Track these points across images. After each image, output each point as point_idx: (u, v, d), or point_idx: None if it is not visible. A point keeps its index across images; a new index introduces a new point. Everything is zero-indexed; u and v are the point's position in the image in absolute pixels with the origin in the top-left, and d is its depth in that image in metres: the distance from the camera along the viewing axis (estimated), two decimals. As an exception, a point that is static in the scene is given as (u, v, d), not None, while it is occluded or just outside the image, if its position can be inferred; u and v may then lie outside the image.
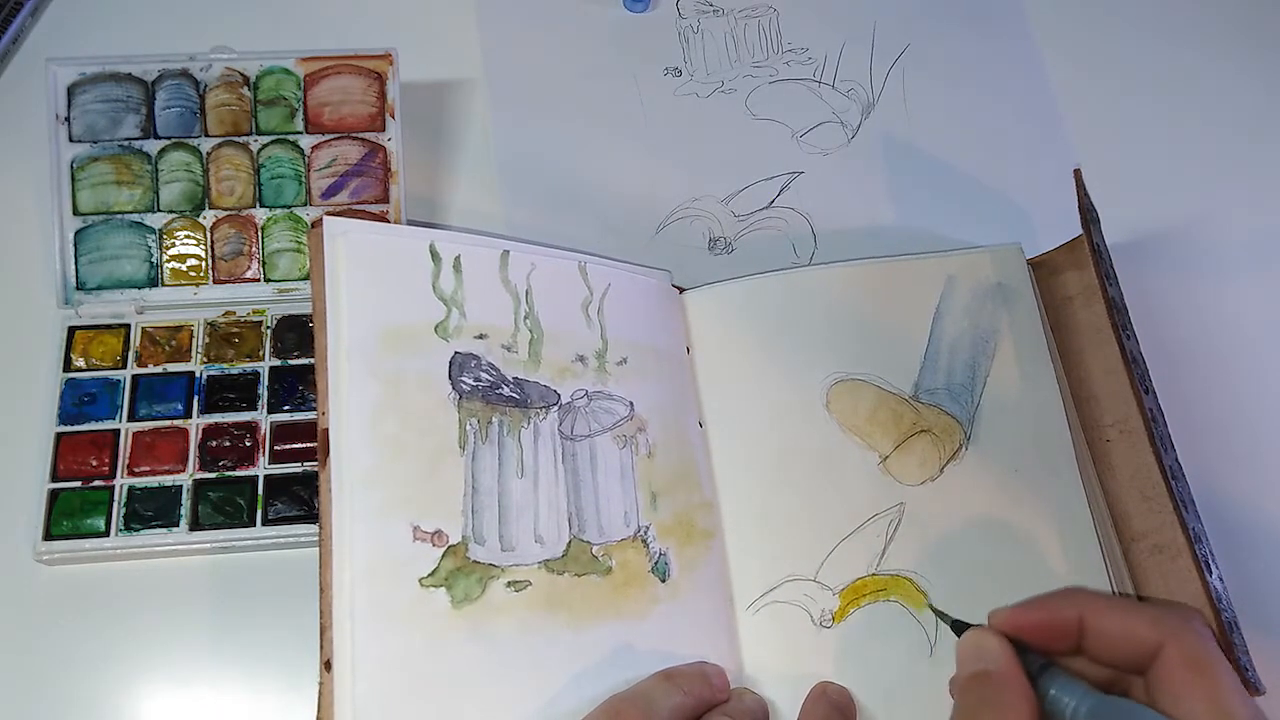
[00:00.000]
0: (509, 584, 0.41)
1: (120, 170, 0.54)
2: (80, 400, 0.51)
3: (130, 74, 0.55)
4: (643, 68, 0.63)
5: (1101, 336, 0.49)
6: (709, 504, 0.48)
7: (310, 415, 0.52)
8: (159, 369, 0.52)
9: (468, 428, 0.43)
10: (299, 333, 0.54)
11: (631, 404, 0.47)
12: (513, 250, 0.47)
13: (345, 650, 0.38)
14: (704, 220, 0.59)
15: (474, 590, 0.41)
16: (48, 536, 0.48)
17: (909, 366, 0.50)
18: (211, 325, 0.54)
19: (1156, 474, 0.43)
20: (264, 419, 0.52)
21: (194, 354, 0.53)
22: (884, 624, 0.45)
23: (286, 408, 0.52)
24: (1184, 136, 0.63)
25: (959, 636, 0.39)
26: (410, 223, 0.56)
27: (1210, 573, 0.41)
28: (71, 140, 0.54)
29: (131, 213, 0.54)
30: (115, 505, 0.49)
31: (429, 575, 0.40)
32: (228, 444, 0.51)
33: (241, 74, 0.56)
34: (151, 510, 0.49)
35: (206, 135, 0.55)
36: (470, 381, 0.44)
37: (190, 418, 0.51)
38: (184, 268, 0.54)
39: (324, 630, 0.38)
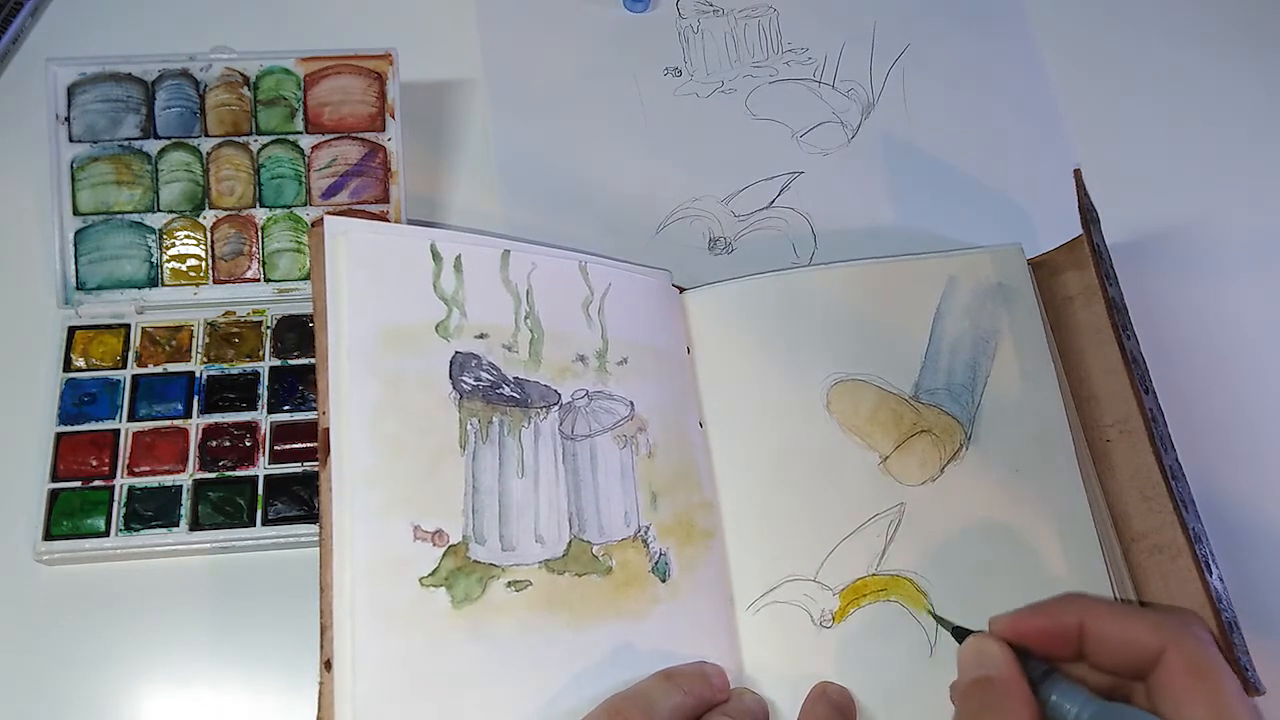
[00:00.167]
0: (509, 584, 0.41)
1: (120, 170, 0.54)
2: (80, 400, 0.51)
3: (130, 74, 0.55)
4: (643, 68, 0.63)
5: (1101, 336, 0.49)
6: (709, 504, 0.47)
7: (310, 415, 0.52)
8: (159, 369, 0.52)
9: (468, 427, 0.43)
10: (299, 333, 0.54)
11: (632, 404, 0.47)
12: (513, 250, 0.47)
13: (345, 650, 0.38)
14: (704, 220, 0.59)
15: (474, 590, 0.41)
16: (48, 536, 0.48)
17: (909, 367, 0.50)
18: (211, 325, 0.54)
19: (1156, 474, 0.43)
20: (264, 419, 0.52)
21: (194, 354, 0.53)
22: (884, 624, 0.45)
23: (286, 408, 0.52)
24: (1184, 136, 0.63)
25: (960, 643, 0.39)
26: (410, 222, 0.56)
27: (1210, 573, 0.41)
28: (71, 140, 0.54)
29: (131, 213, 0.54)
30: (115, 505, 0.49)
31: (429, 575, 0.40)
32: (228, 444, 0.51)
33: (241, 74, 0.56)
34: (151, 510, 0.49)
35: (206, 135, 0.55)
36: (471, 381, 0.44)
37: (190, 418, 0.51)
38: (184, 268, 0.54)
39: (324, 630, 0.38)
